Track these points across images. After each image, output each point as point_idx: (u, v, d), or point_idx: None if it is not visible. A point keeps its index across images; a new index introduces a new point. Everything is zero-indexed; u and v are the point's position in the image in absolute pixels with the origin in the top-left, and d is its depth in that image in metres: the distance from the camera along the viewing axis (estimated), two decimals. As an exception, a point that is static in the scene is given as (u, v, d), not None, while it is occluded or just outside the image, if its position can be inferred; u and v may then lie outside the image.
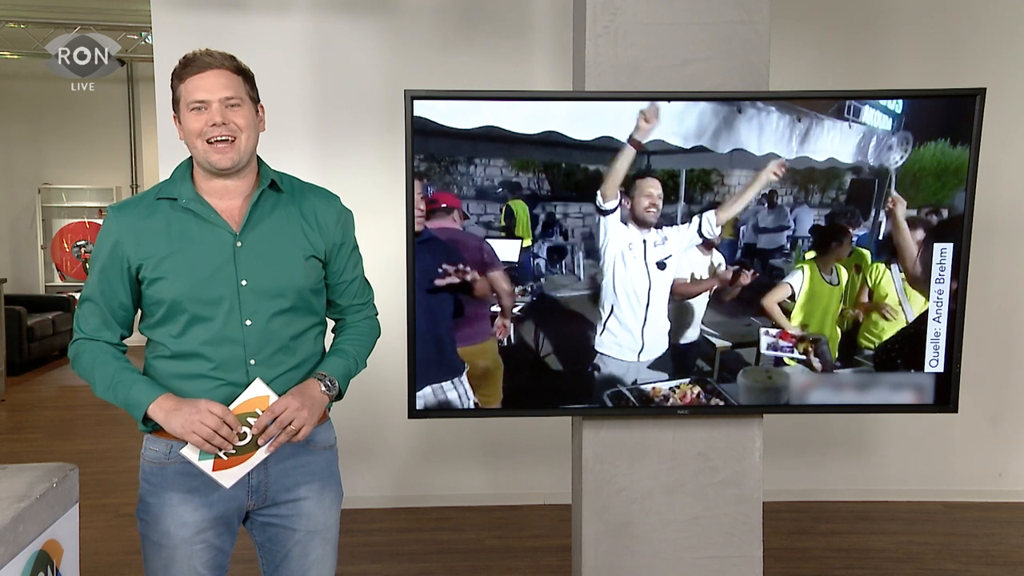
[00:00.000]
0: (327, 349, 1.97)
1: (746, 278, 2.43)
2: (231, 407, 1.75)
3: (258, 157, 1.88)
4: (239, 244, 1.80)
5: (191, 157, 1.85)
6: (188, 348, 1.79)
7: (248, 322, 1.79)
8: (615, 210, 2.36)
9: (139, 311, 1.88)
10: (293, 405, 1.77)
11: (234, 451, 1.75)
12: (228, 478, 1.77)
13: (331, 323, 2.03)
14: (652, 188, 2.35)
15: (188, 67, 1.76)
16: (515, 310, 2.41)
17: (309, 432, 1.81)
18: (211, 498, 1.83)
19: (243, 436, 1.75)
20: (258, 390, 1.77)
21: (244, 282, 1.79)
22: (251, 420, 1.76)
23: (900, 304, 2.46)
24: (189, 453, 1.75)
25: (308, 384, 1.84)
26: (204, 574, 1.85)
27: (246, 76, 1.82)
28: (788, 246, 2.42)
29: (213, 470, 1.76)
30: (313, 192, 1.93)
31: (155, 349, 1.84)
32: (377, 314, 2.06)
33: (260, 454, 1.78)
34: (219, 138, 1.75)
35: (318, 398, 1.83)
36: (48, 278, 9.46)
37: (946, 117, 2.37)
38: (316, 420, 1.83)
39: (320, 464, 1.93)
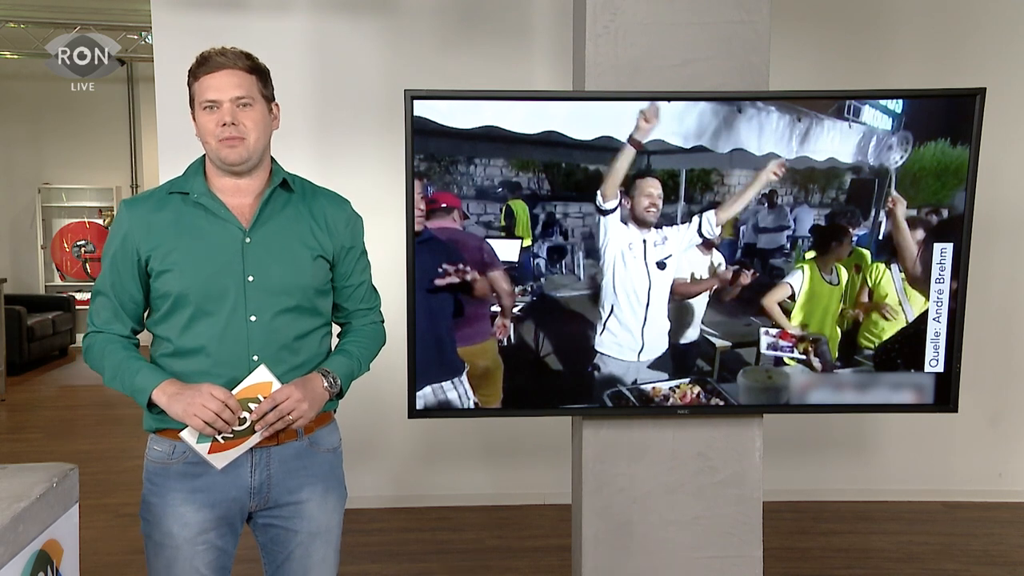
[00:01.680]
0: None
1: (746, 278, 2.43)
2: (234, 391, 1.75)
3: (272, 158, 1.90)
4: (248, 240, 1.81)
5: (204, 154, 1.87)
6: (192, 343, 1.80)
7: (253, 318, 1.80)
8: (615, 210, 2.36)
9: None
10: (295, 396, 1.77)
11: (231, 435, 1.76)
12: (220, 460, 1.78)
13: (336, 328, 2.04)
14: (652, 188, 2.35)
15: (202, 66, 1.78)
16: (515, 310, 2.41)
17: (306, 423, 1.82)
18: (213, 498, 1.83)
19: (242, 421, 1.75)
20: (262, 376, 1.77)
21: (251, 278, 1.80)
22: (252, 405, 1.76)
23: (900, 304, 2.46)
24: (187, 436, 1.76)
25: (311, 377, 1.84)
26: (206, 574, 1.86)
27: (260, 75, 1.83)
28: (788, 246, 2.42)
29: (209, 453, 1.77)
30: (324, 195, 1.94)
31: (160, 346, 1.86)
32: (383, 321, 2.06)
33: (254, 439, 1.79)
34: (229, 136, 1.77)
35: (319, 392, 1.83)
36: (48, 278, 9.45)
37: (946, 117, 2.37)
38: (315, 414, 1.83)
39: (323, 466, 1.93)
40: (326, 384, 1.84)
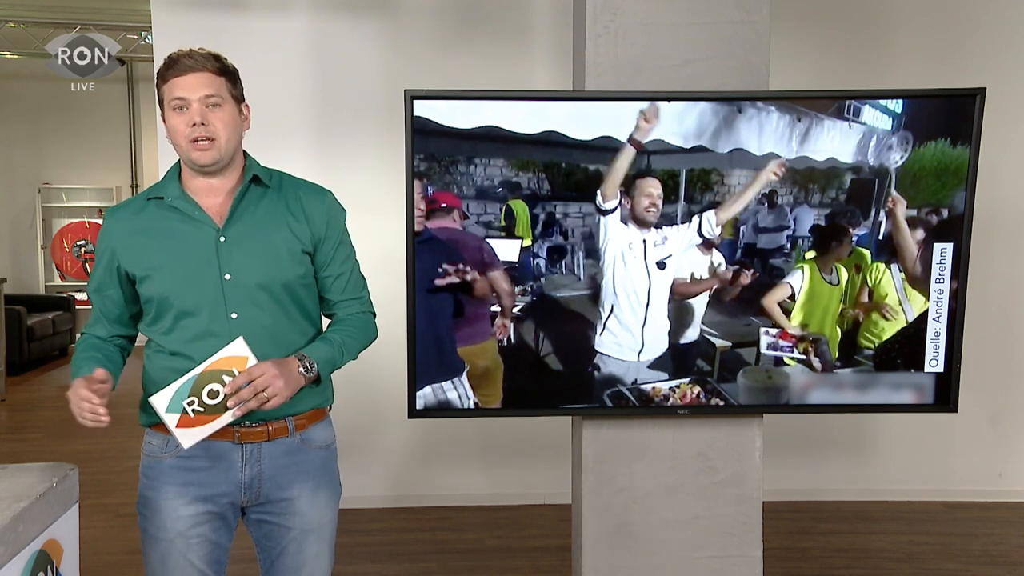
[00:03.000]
0: None
1: (746, 278, 2.43)
2: (208, 361, 1.71)
3: (245, 152, 1.90)
4: (222, 239, 1.82)
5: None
6: (177, 343, 1.82)
7: (234, 315, 1.81)
8: (615, 210, 2.36)
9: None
10: (271, 372, 1.73)
11: (202, 410, 1.71)
12: (188, 438, 1.72)
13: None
14: (652, 188, 2.35)
15: (170, 68, 1.78)
16: (515, 310, 2.41)
17: (279, 404, 1.76)
18: (205, 492, 1.85)
19: (214, 394, 1.71)
20: (237, 349, 1.73)
21: (227, 276, 1.81)
22: (226, 378, 1.71)
23: (900, 304, 2.46)
24: (157, 402, 1.70)
25: (287, 359, 1.80)
26: (201, 568, 1.87)
27: (229, 76, 1.83)
28: (788, 246, 2.42)
29: (177, 426, 1.71)
30: (302, 186, 1.94)
31: (150, 346, 1.89)
32: (374, 313, 2.04)
33: (226, 417, 1.73)
34: (199, 138, 1.77)
35: (295, 375, 1.78)
36: (48, 278, 9.46)
37: (946, 117, 2.37)
38: (290, 395, 1.77)
39: (315, 463, 1.93)
40: (302, 368, 1.80)
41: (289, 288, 1.86)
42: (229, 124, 1.81)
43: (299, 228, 1.87)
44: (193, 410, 1.72)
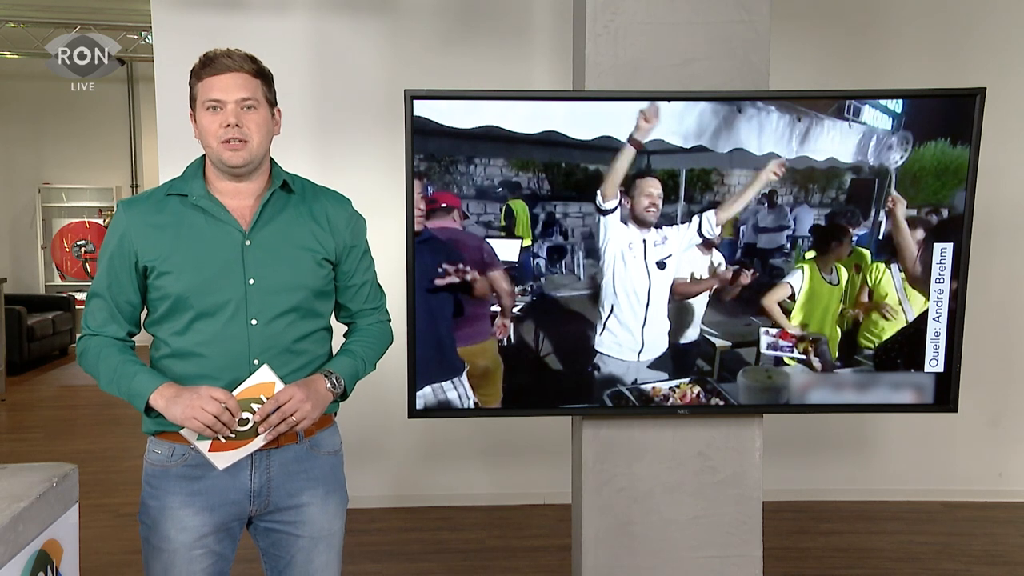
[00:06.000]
0: (334, 352, 1.95)
1: (746, 278, 2.43)
2: (235, 391, 1.74)
3: (271, 159, 1.88)
4: (248, 243, 1.79)
5: (203, 155, 1.85)
6: (191, 346, 1.78)
7: (253, 321, 1.78)
8: (615, 210, 2.36)
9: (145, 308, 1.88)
10: (298, 396, 1.75)
11: (233, 436, 1.74)
12: (222, 460, 1.76)
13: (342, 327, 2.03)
14: (652, 188, 2.35)
15: (207, 67, 1.76)
16: (515, 310, 2.41)
17: (309, 425, 1.80)
18: (212, 502, 1.81)
19: (244, 422, 1.74)
20: (264, 376, 1.75)
21: (251, 281, 1.78)
22: (254, 406, 1.74)
23: (900, 304, 2.46)
24: (188, 434, 1.74)
25: (314, 378, 1.82)
26: None
27: (265, 79, 1.82)
28: (788, 246, 2.42)
29: (209, 451, 1.75)
30: (325, 194, 1.92)
31: (159, 348, 1.84)
32: (390, 320, 2.04)
33: (258, 441, 1.77)
34: (232, 138, 1.75)
35: (323, 393, 1.81)
36: (48, 278, 9.46)
37: (946, 117, 2.37)
38: (319, 415, 1.81)
39: (324, 469, 1.91)
40: (329, 385, 1.82)
41: (308, 296, 1.84)
42: (262, 127, 1.79)
43: (323, 236, 1.86)
44: (224, 437, 1.74)
